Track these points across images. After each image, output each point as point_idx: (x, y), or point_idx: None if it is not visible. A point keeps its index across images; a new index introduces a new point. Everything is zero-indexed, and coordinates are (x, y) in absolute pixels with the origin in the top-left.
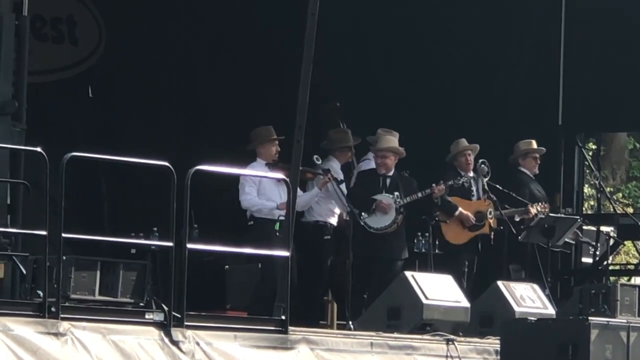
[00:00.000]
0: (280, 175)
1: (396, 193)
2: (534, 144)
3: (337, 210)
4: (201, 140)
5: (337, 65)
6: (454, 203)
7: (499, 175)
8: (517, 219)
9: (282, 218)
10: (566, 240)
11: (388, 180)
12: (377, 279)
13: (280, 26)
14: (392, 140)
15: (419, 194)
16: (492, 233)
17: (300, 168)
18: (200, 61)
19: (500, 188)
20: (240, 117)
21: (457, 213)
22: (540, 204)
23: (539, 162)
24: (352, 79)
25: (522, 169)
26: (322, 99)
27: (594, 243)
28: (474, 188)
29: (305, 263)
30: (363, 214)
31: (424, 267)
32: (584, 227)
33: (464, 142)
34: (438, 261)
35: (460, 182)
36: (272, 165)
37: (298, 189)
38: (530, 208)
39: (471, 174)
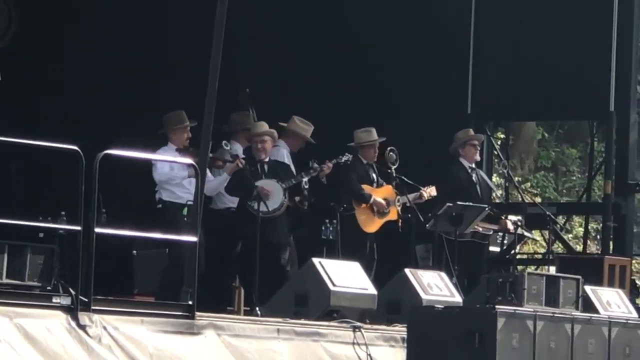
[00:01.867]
0: (189, 160)
1: (301, 177)
2: (472, 132)
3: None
4: (113, 124)
5: (250, 51)
6: (367, 192)
7: (408, 164)
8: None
9: (190, 203)
10: (479, 230)
11: (266, 166)
12: (266, 264)
13: (192, 9)
14: (264, 124)
15: (304, 175)
16: (400, 220)
17: (211, 155)
18: (111, 44)
19: (401, 177)
20: (152, 101)
21: (371, 201)
22: (429, 187)
23: (478, 149)
24: (266, 66)
25: (461, 160)
26: (233, 85)
27: (530, 235)
28: (373, 175)
29: (215, 249)
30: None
31: (331, 254)
32: (502, 217)
33: (374, 133)
34: (343, 248)
35: (343, 160)
36: (182, 151)
37: (207, 174)
38: (423, 192)
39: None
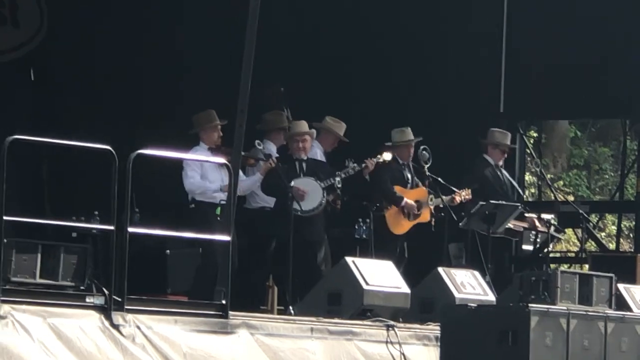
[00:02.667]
0: (222, 159)
1: (322, 176)
2: (509, 139)
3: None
4: (144, 124)
5: (283, 50)
6: (399, 194)
7: (440, 164)
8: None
9: (223, 202)
10: (511, 226)
11: (304, 165)
12: (304, 263)
13: (223, 11)
14: (304, 124)
15: (343, 174)
16: (433, 220)
17: (243, 154)
18: (142, 44)
19: (436, 178)
20: (184, 100)
21: (403, 203)
22: (464, 190)
23: (505, 156)
24: (299, 65)
25: (487, 157)
26: (266, 83)
27: (560, 236)
28: (408, 176)
29: (249, 248)
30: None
31: (364, 254)
32: (527, 215)
33: (409, 133)
34: (375, 247)
35: (382, 159)
36: (214, 150)
37: (240, 174)
38: (456, 196)
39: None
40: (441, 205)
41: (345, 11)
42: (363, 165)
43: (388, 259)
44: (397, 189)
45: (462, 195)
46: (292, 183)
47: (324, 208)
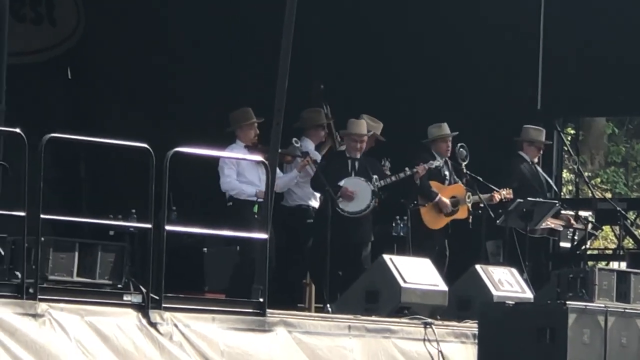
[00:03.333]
0: (259, 157)
1: (375, 176)
2: (543, 135)
3: (318, 193)
4: (181, 122)
5: (321, 49)
6: (434, 189)
7: (479, 159)
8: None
9: (260, 200)
10: (551, 226)
11: (357, 164)
12: (348, 263)
13: (260, 9)
14: (364, 124)
15: (394, 177)
16: (470, 217)
17: (280, 151)
18: (179, 42)
19: (475, 177)
20: (221, 98)
21: (437, 199)
22: (505, 189)
23: (541, 152)
24: (337, 64)
25: (522, 154)
26: (306, 81)
27: (597, 233)
28: (446, 172)
29: (286, 246)
30: (340, 199)
31: (402, 251)
32: (563, 212)
33: (446, 127)
34: (413, 245)
35: (434, 165)
36: (251, 148)
37: (277, 171)
38: (495, 195)
39: (441, 160)
40: (481, 205)
41: (384, 9)
42: (414, 170)
43: (426, 256)
44: (434, 184)
45: (503, 194)
46: (342, 182)
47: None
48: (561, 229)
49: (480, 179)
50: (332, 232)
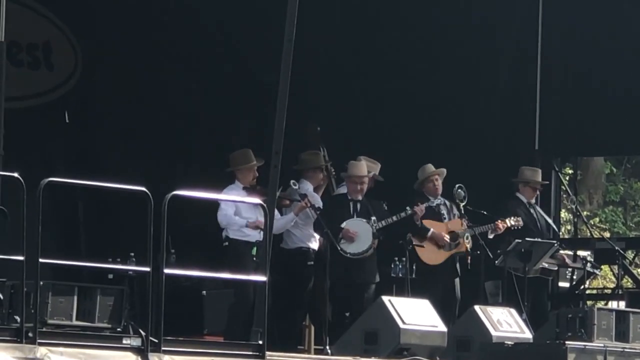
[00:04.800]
0: (257, 200)
1: (373, 218)
2: (539, 175)
3: (317, 235)
4: (178, 164)
5: (317, 91)
6: (426, 226)
7: (476, 199)
8: (491, 236)
9: (259, 241)
10: (545, 265)
11: (358, 205)
12: (352, 304)
13: (258, 51)
14: (364, 166)
15: (394, 217)
16: (469, 257)
17: (278, 194)
18: (175, 85)
19: (474, 210)
20: (218, 138)
21: (429, 234)
22: (513, 217)
23: (538, 193)
24: (333, 106)
25: (519, 195)
26: (302, 123)
27: (596, 273)
28: (444, 211)
29: (285, 288)
30: (342, 240)
31: (401, 292)
32: (561, 252)
33: (430, 167)
34: (416, 285)
35: (435, 203)
36: (249, 190)
37: (275, 213)
38: (499, 223)
39: (439, 199)
40: (480, 242)
41: (380, 48)
42: (413, 210)
43: (431, 296)
44: (430, 222)
45: (511, 222)
46: (344, 224)
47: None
48: (555, 268)
49: (484, 212)
50: (335, 273)
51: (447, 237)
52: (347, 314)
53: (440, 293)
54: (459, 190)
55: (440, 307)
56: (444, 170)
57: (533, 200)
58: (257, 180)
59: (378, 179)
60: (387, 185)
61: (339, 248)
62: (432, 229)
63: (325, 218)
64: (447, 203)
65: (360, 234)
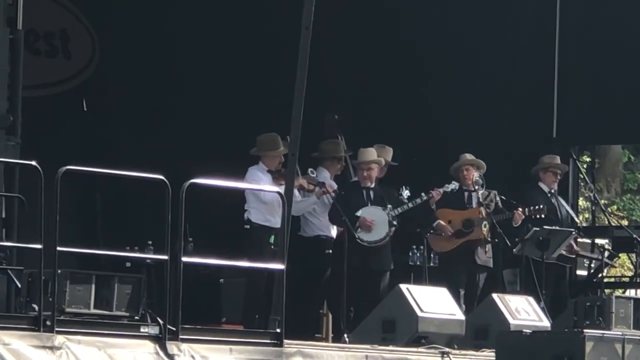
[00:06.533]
0: (275, 188)
1: (389, 206)
2: (558, 160)
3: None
4: (197, 151)
5: (336, 78)
6: (434, 215)
7: (493, 188)
8: (516, 225)
9: (277, 228)
10: (563, 253)
11: (372, 193)
12: (367, 292)
13: (276, 39)
14: (372, 152)
15: (410, 204)
16: (488, 246)
17: (303, 177)
18: (194, 73)
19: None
20: (237, 126)
21: (434, 224)
22: (534, 207)
23: (559, 177)
24: (351, 93)
25: (540, 184)
26: (321, 111)
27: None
28: (474, 201)
29: (303, 276)
30: (359, 229)
31: (419, 280)
32: (579, 240)
33: (464, 157)
34: (434, 273)
35: (449, 189)
36: (274, 173)
37: (296, 194)
38: (517, 212)
39: (454, 184)
40: (498, 230)
41: (395, 39)
42: (430, 195)
43: (451, 284)
44: (444, 211)
45: (530, 211)
46: (360, 212)
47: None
48: (574, 256)
49: (504, 198)
50: (352, 261)
51: (450, 230)
52: (352, 309)
53: (459, 280)
54: (478, 178)
55: (459, 295)
56: (482, 163)
57: (555, 188)
58: (282, 165)
59: (391, 164)
60: (405, 174)
61: (356, 236)
62: (438, 221)
63: (341, 206)
64: (478, 194)
65: (376, 222)
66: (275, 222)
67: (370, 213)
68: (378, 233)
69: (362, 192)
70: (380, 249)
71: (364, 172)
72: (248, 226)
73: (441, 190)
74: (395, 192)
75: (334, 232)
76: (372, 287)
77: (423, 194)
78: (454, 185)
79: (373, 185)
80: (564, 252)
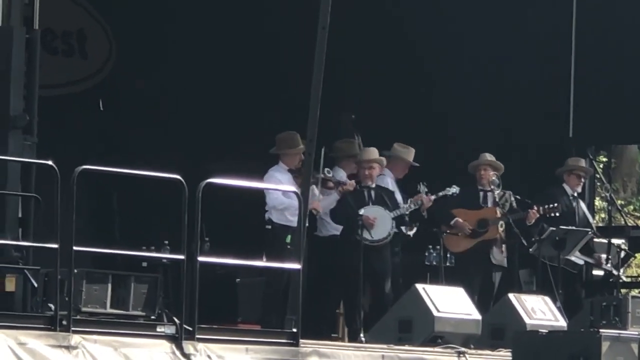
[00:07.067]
0: (293, 188)
1: (404, 204)
2: (582, 162)
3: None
4: (213, 151)
5: (354, 78)
6: (451, 213)
7: (509, 187)
8: (529, 223)
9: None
10: (576, 258)
11: (372, 193)
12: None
13: (292, 40)
14: (374, 151)
15: (404, 209)
16: (504, 246)
17: (322, 176)
18: (211, 74)
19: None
20: (254, 127)
21: (452, 222)
22: (551, 205)
23: (582, 181)
24: (368, 93)
25: (565, 186)
26: (337, 111)
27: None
28: (489, 201)
29: (319, 275)
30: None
31: (435, 280)
32: (595, 240)
33: (484, 156)
34: (450, 273)
35: (450, 192)
36: (294, 172)
37: (317, 192)
38: (531, 211)
39: (454, 187)
40: (515, 230)
41: (411, 39)
42: (419, 203)
43: (467, 284)
44: (457, 211)
45: (545, 210)
46: (362, 211)
47: (393, 237)
48: (582, 262)
49: (518, 197)
50: (355, 261)
51: (469, 227)
52: (339, 311)
53: (475, 280)
54: (494, 178)
55: (476, 295)
56: (500, 165)
57: (578, 191)
58: (302, 163)
59: (413, 165)
60: (424, 172)
61: (363, 235)
62: (457, 218)
63: (343, 205)
64: (494, 194)
65: (379, 220)
66: (295, 221)
67: (373, 212)
68: (381, 232)
69: (363, 192)
70: (381, 249)
71: (366, 171)
72: (269, 226)
73: (432, 197)
74: (394, 194)
75: None
76: (377, 287)
77: (410, 200)
78: (454, 189)
79: (374, 185)
80: (591, 262)
